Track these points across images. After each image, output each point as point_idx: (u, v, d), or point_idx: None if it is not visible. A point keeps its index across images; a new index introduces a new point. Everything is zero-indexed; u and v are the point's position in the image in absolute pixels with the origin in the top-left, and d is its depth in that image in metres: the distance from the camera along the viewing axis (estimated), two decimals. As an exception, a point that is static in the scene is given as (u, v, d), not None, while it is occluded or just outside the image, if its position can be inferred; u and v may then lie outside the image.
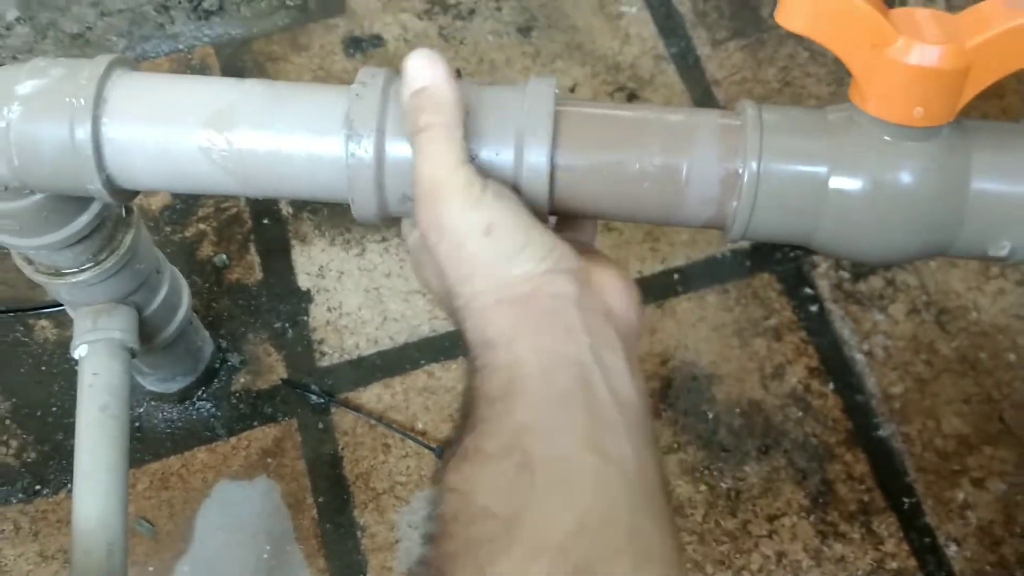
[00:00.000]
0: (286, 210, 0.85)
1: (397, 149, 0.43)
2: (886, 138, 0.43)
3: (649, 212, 0.47)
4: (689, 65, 0.91)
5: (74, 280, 0.55)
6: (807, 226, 0.46)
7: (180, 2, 0.97)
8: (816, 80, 0.90)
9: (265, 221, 0.85)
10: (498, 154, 0.44)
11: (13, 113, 0.44)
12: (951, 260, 0.80)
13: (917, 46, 0.40)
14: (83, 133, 0.44)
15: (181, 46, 0.95)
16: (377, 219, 0.45)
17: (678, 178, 0.45)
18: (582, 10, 0.96)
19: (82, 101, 0.44)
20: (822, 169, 0.45)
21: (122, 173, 0.46)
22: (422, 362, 0.78)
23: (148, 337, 0.64)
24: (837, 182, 0.44)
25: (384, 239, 0.83)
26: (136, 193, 0.49)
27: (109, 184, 0.46)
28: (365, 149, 0.43)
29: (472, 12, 0.96)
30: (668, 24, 0.93)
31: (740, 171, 0.45)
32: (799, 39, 0.94)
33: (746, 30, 0.93)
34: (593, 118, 0.46)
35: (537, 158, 0.44)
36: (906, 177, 0.43)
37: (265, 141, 0.44)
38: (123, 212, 0.58)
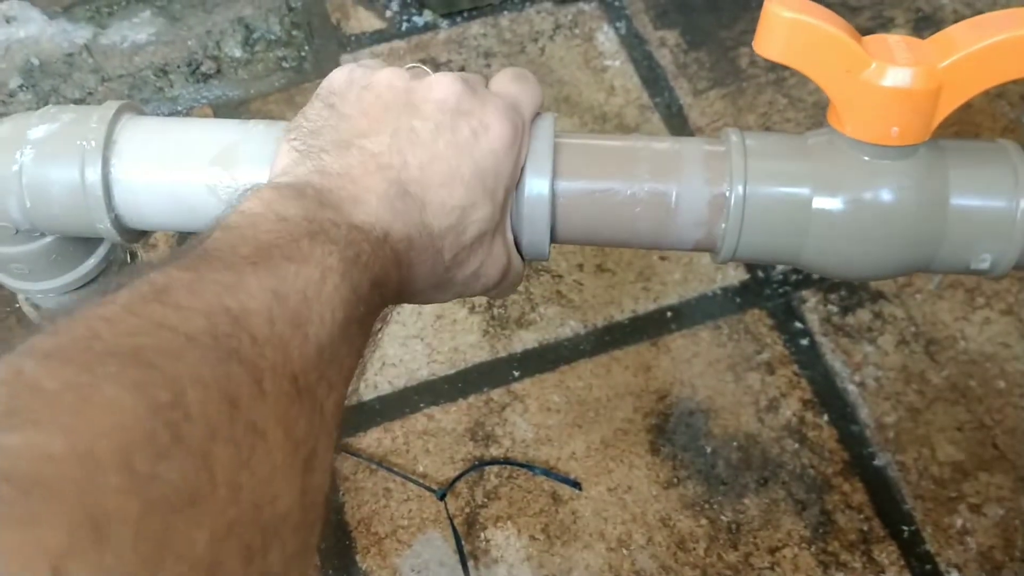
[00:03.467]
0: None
1: None
2: (865, 158, 0.45)
3: (641, 236, 0.49)
4: (673, 113, 0.94)
5: (80, 324, 0.56)
6: (793, 245, 0.48)
7: (179, 66, 1.00)
8: (795, 124, 0.93)
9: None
10: None
11: (26, 156, 0.46)
12: (938, 292, 0.82)
13: (890, 69, 0.42)
14: (93, 175, 0.46)
15: (180, 107, 0.97)
16: None
17: (668, 203, 0.47)
18: (568, 66, 0.99)
19: (92, 143, 0.45)
20: (805, 190, 0.46)
21: (130, 212, 0.47)
22: (421, 405, 0.78)
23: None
24: (820, 202, 0.46)
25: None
26: (144, 233, 0.50)
27: (118, 223, 0.47)
28: None
29: (462, 69, 0.99)
30: (651, 76, 0.97)
31: (727, 194, 0.47)
32: (778, 86, 0.97)
33: (726, 79, 0.96)
34: (588, 148, 0.48)
35: (540, 188, 0.46)
36: (886, 195, 0.45)
37: (266, 176, 0.46)
38: (128, 257, 0.59)
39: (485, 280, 0.41)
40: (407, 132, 0.36)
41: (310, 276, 0.28)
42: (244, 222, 0.31)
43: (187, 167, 0.46)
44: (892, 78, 0.41)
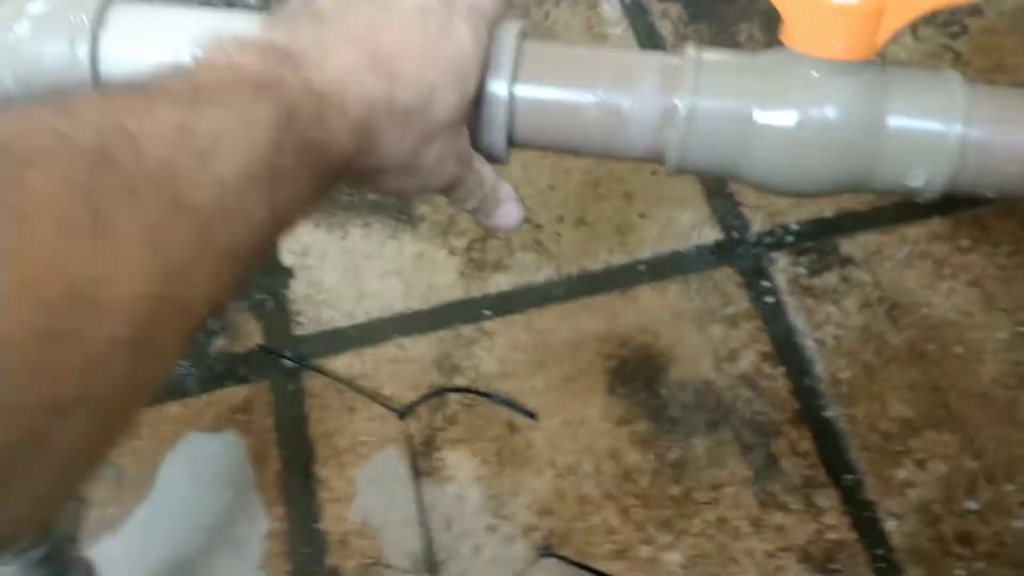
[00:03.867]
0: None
1: None
2: (813, 74, 0.47)
3: (594, 141, 0.52)
4: (665, 83, 0.97)
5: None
6: (738, 158, 0.50)
7: None
8: (784, 99, 0.95)
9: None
10: None
11: (22, 29, 0.50)
12: (907, 261, 0.83)
13: None
14: (82, 51, 0.50)
15: None
16: None
17: (621, 110, 0.50)
18: (572, 31, 1.03)
19: (84, 20, 0.50)
20: (751, 104, 0.49)
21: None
22: (393, 335, 0.82)
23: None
24: (764, 116, 0.48)
25: (367, 224, 0.88)
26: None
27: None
28: None
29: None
30: (651, 45, 1.00)
31: (677, 104, 0.49)
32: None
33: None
34: (550, 55, 0.51)
35: (499, 90, 0.49)
36: (829, 111, 0.47)
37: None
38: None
39: (451, 172, 0.42)
40: (382, 19, 0.38)
41: (228, 121, 0.29)
42: (196, 66, 0.32)
43: (172, 46, 0.50)
44: None
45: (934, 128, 0.47)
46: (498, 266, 0.86)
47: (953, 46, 0.97)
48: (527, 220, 0.88)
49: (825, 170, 0.49)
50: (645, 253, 0.86)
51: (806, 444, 0.73)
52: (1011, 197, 0.58)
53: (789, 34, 0.47)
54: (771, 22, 1.02)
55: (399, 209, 0.89)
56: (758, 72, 0.48)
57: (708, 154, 0.50)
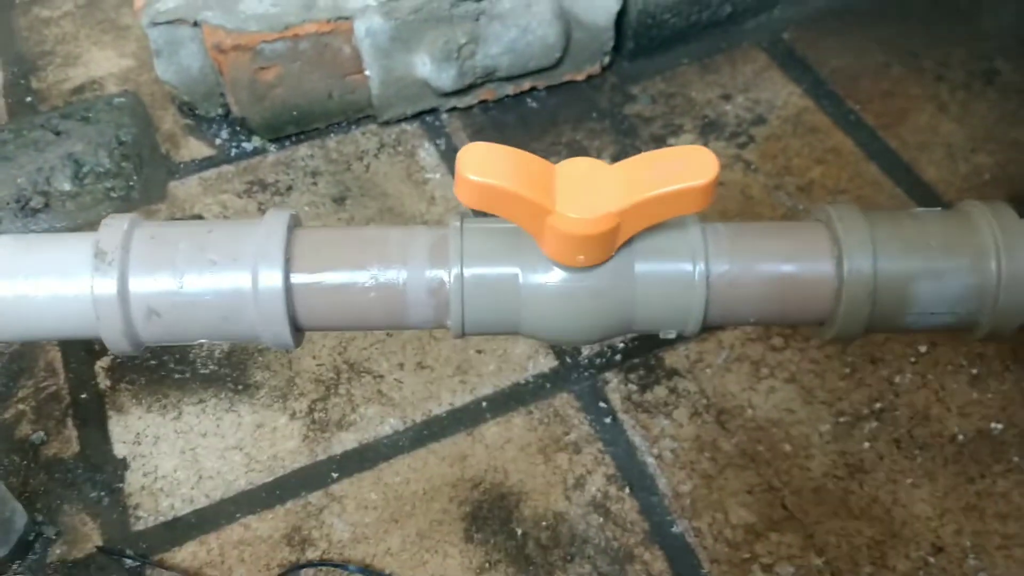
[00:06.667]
0: (104, 383, 0.88)
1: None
2: (562, 273, 0.50)
3: (377, 318, 0.53)
4: (487, 218, 1.00)
5: None
6: (512, 317, 0.52)
7: (8, 203, 1.02)
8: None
9: (83, 396, 0.87)
10: (236, 280, 0.50)
11: None
12: (726, 365, 0.88)
13: (569, 218, 0.46)
14: None
15: (7, 240, 0.99)
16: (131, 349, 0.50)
17: (398, 287, 0.52)
18: (392, 180, 1.05)
19: None
20: (515, 267, 0.51)
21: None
22: (238, 515, 0.79)
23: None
24: (528, 289, 0.51)
25: (201, 400, 0.86)
26: None
27: None
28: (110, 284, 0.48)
29: (290, 188, 1.05)
30: (466, 185, 1.03)
31: (445, 276, 0.51)
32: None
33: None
34: (322, 240, 0.53)
35: (272, 280, 0.50)
36: (580, 297, 0.50)
37: (12, 287, 0.49)
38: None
39: None
40: None
41: None
42: None
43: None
44: (572, 225, 0.46)
45: (680, 269, 0.50)
46: (342, 424, 0.85)
47: (742, 155, 1.05)
48: (367, 372, 0.88)
49: (588, 329, 0.52)
50: (487, 389, 0.87)
51: (659, 564, 0.75)
52: (771, 323, 0.63)
53: (542, 247, 0.49)
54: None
55: (234, 380, 0.88)
56: (520, 238, 0.51)
57: (485, 319, 0.52)
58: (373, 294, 0.52)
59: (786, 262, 0.50)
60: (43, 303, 0.49)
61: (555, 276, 0.50)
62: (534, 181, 0.46)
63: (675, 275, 0.50)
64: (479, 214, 0.49)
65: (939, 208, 0.56)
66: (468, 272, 0.51)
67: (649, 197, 0.45)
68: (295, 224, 0.53)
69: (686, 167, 0.44)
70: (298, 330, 0.53)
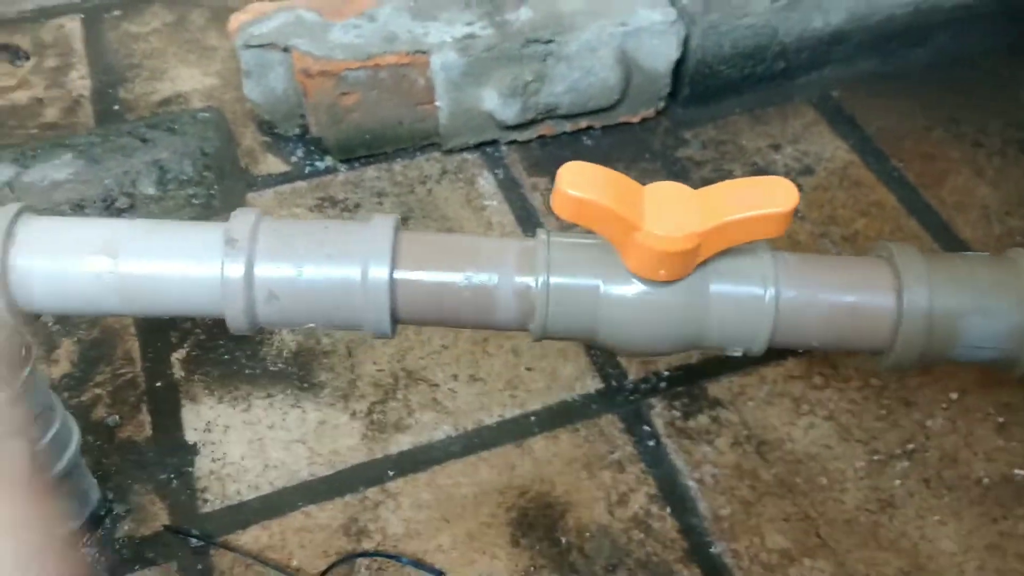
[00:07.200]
0: (179, 374, 0.93)
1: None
2: (641, 286, 0.55)
3: (467, 316, 0.58)
4: (543, 246, 1.06)
5: (-29, 408, 0.62)
6: (591, 325, 0.57)
7: (95, 202, 1.09)
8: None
9: (158, 384, 0.92)
10: (348, 272, 0.56)
11: None
12: (768, 399, 0.92)
13: (656, 235, 0.51)
14: None
15: (92, 236, 1.05)
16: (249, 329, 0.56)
17: (488, 289, 0.57)
18: (452, 205, 1.11)
19: None
20: (597, 281, 0.57)
21: (23, 296, 0.55)
22: (299, 504, 0.84)
23: (38, 471, 0.70)
24: (608, 299, 0.56)
25: (269, 395, 0.92)
26: (35, 316, 0.58)
27: (11, 306, 0.55)
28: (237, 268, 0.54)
29: (357, 206, 1.11)
30: (524, 214, 1.09)
31: (531, 283, 0.57)
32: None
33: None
34: (424, 243, 0.58)
35: (379, 274, 0.56)
36: (658, 309, 0.55)
37: (147, 265, 0.55)
38: (23, 351, 0.66)
39: None
40: None
41: None
42: None
43: (76, 255, 0.54)
44: (658, 242, 0.51)
45: (752, 292, 0.55)
46: (399, 426, 0.90)
47: (790, 204, 1.10)
48: (424, 381, 0.93)
49: (659, 346, 0.57)
50: (535, 404, 0.92)
51: (696, 580, 0.79)
52: (831, 349, 0.68)
53: (625, 260, 0.54)
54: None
55: (300, 378, 0.93)
56: (602, 252, 0.56)
57: (564, 324, 0.57)
58: (466, 294, 0.57)
59: (849, 293, 0.55)
60: (174, 281, 0.55)
61: (635, 288, 0.55)
62: (625, 199, 0.52)
63: (747, 297, 0.54)
64: (566, 227, 0.55)
65: (987, 253, 0.61)
66: (553, 280, 0.56)
67: (731, 220, 0.50)
68: (399, 227, 0.58)
69: (767, 195, 0.49)
70: (396, 321, 0.58)
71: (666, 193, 0.52)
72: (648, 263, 0.53)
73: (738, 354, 0.56)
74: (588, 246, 0.58)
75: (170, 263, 0.55)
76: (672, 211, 0.52)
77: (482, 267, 0.58)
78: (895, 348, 0.55)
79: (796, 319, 0.55)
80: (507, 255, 0.58)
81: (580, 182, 0.51)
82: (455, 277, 0.57)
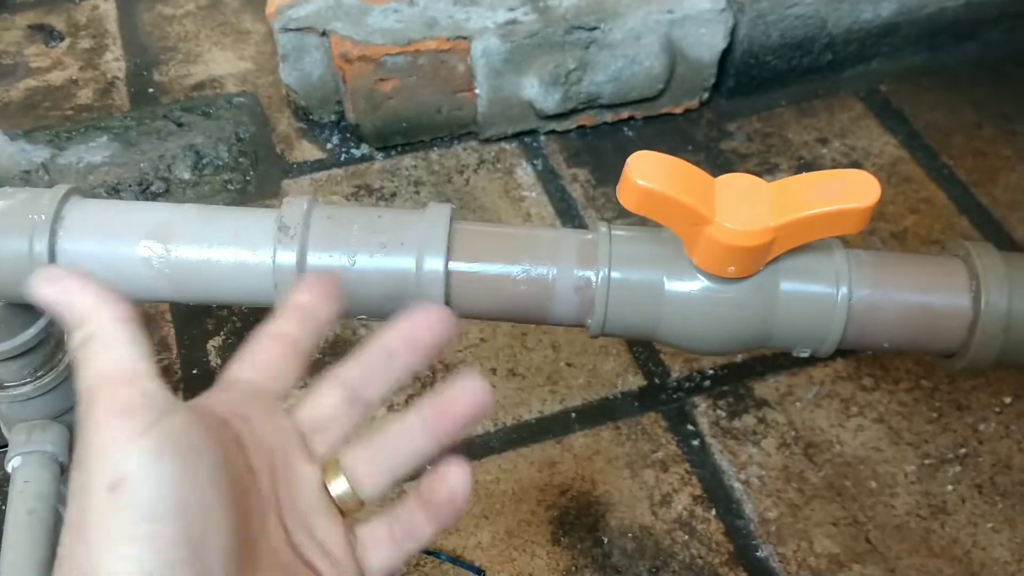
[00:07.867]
0: (215, 362, 0.92)
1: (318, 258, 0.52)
2: (707, 282, 0.52)
3: (524, 310, 0.56)
4: (583, 238, 1.04)
5: (14, 393, 0.61)
6: (652, 322, 0.55)
7: (130, 185, 1.08)
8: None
9: (194, 371, 0.91)
10: (402, 263, 0.54)
11: None
12: (816, 401, 0.90)
13: (728, 229, 0.49)
14: (41, 245, 0.52)
15: (127, 220, 1.04)
16: None
17: (547, 283, 0.55)
18: (490, 195, 1.09)
19: (42, 217, 0.52)
20: (660, 276, 0.54)
21: (72, 280, 0.53)
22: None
23: (75, 459, 0.69)
24: (671, 295, 0.53)
25: (306, 383, 0.90)
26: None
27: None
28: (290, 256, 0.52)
29: (394, 195, 1.09)
30: (563, 206, 1.07)
31: (593, 277, 0.54)
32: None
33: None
34: (480, 234, 0.56)
35: (435, 265, 0.54)
36: (724, 306, 0.53)
37: (198, 251, 0.53)
38: (66, 336, 0.64)
39: None
40: None
41: None
42: None
43: (126, 241, 0.53)
44: (730, 236, 0.49)
45: (824, 291, 0.53)
46: (436, 421, 0.88)
47: (837, 199, 1.07)
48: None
49: (723, 345, 0.55)
50: (575, 401, 0.90)
51: (743, 584, 0.77)
52: (902, 351, 0.65)
53: (689, 251, 0.52)
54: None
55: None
56: (665, 246, 0.54)
57: (625, 320, 0.55)
58: (523, 287, 0.55)
59: (924, 293, 0.52)
60: (226, 268, 0.53)
61: (700, 284, 0.53)
62: (696, 191, 0.49)
63: (818, 296, 0.52)
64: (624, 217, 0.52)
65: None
66: (615, 274, 0.54)
67: (808, 215, 0.48)
68: (454, 216, 0.56)
69: (847, 189, 0.47)
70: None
71: (739, 185, 0.50)
72: (717, 258, 0.50)
73: (805, 355, 0.54)
74: (651, 239, 0.55)
75: (222, 250, 0.53)
76: (745, 204, 0.49)
77: (540, 260, 0.56)
78: (971, 350, 0.52)
79: (869, 320, 0.52)
80: (566, 247, 0.56)
81: (650, 172, 0.49)
82: (512, 269, 0.55)
